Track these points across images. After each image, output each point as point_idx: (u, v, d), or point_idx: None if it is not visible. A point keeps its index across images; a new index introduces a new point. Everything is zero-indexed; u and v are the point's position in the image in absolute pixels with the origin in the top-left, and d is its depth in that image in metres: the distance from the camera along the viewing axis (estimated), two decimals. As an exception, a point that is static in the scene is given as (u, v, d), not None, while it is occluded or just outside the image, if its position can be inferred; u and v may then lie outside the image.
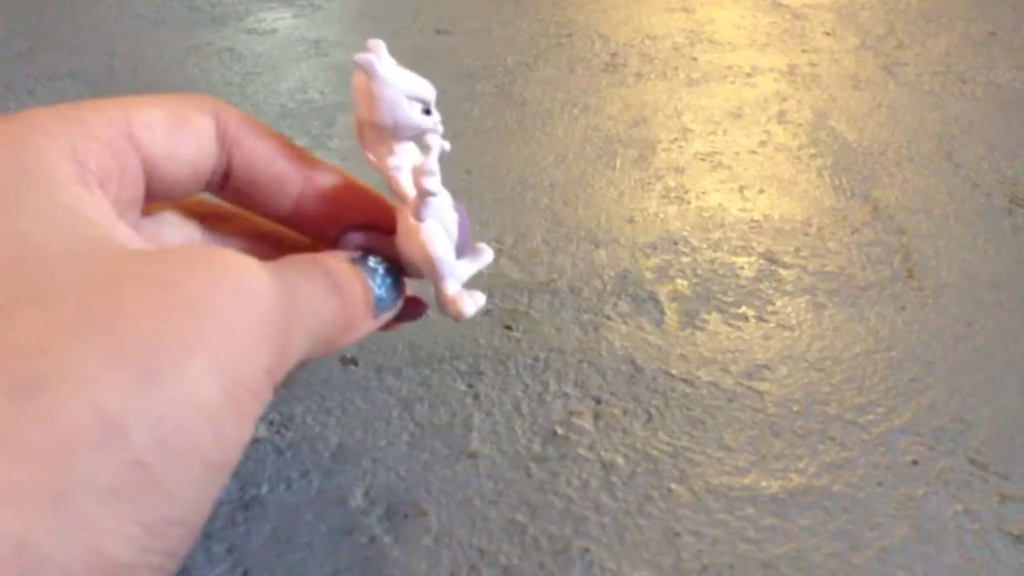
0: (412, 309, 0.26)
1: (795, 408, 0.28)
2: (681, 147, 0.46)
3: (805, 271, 0.35)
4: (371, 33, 0.63)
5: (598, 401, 0.28)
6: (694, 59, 0.58)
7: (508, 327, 0.31)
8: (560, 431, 0.27)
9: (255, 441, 0.27)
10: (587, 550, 0.23)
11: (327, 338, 0.20)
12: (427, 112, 0.21)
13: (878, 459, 0.26)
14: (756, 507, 0.24)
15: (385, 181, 0.22)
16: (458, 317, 0.25)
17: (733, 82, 0.54)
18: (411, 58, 0.57)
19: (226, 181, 0.21)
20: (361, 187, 0.24)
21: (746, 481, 0.25)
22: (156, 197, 0.20)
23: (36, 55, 0.58)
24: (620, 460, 0.26)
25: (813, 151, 0.46)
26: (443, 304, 0.25)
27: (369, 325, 0.23)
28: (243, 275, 0.16)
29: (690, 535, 0.23)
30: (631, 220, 0.39)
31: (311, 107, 0.50)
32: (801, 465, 0.26)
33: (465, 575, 0.22)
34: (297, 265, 0.20)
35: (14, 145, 0.16)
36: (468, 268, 0.25)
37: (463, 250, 0.26)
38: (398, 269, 0.24)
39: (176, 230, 0.22)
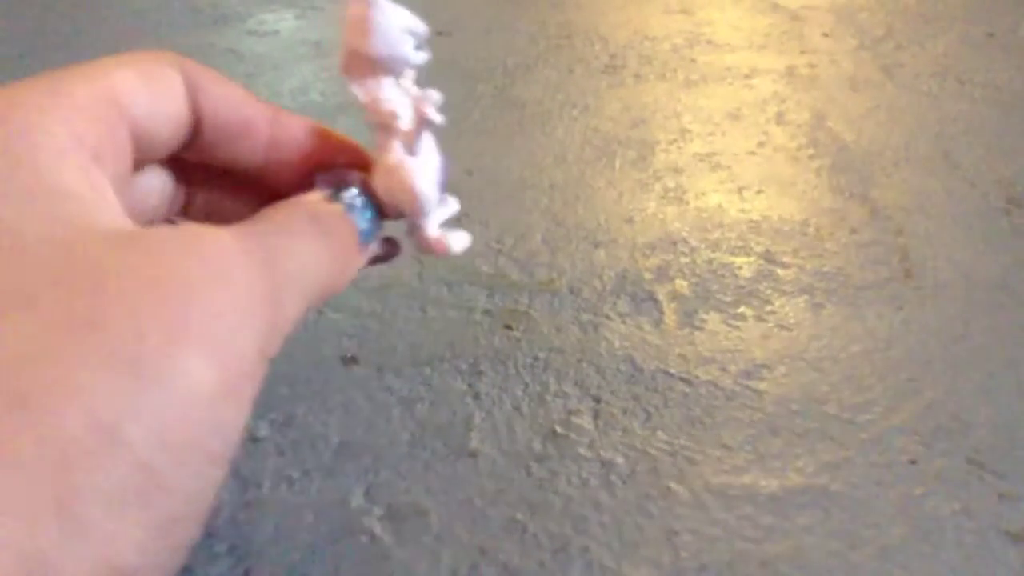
0: (388, 249, 0.26)
1: (793, 407, 0.28)
2: (680, 148, 0.46)
3: (803, 271, 0.35)
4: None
5: (597, 400, 0.28)
6: (693, 60, 0.58)
7: (508, 327, 0.31)
8: (560, 430, 0.27)
9: (256, 440, 0.27)
10: (587, 548, 0.23)
11: (322, 289, 0.19)
12: (418, 48, 0.21)
13: (876, 458, 0.26)
14: (755, 506, 0.24)
15: (372, 114, 0.22)
16: (445, 254, 0.25)
17: (732, 83, 0.55)
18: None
19: (196, 135, 0.21)
20: (329, 131, 0.24)
21: (745, 480, 0.25)
22: (139, 161, 0.19)
23: (37, 56, 0.58)
24: (619, 459, 0.26)
25: (811, 152, 0.46)
26: (426, 244, 0.25)
27: (358, 263, 0.22)
28: (223, 257, 0.16)
29: (689, 533, 0.23)
30: (630, 220, 0.39)
31: (313, 108, 0.51)
32: (799, 464, 0.26)
33: (465, 574, 0.22)
34: (279, 218, 0.19)
35: None
36: (440, 214, 0.25)
37: (441, 193, 0.25)
38: (375, 203, 0.24)
39: (154, 188, 0.22)
